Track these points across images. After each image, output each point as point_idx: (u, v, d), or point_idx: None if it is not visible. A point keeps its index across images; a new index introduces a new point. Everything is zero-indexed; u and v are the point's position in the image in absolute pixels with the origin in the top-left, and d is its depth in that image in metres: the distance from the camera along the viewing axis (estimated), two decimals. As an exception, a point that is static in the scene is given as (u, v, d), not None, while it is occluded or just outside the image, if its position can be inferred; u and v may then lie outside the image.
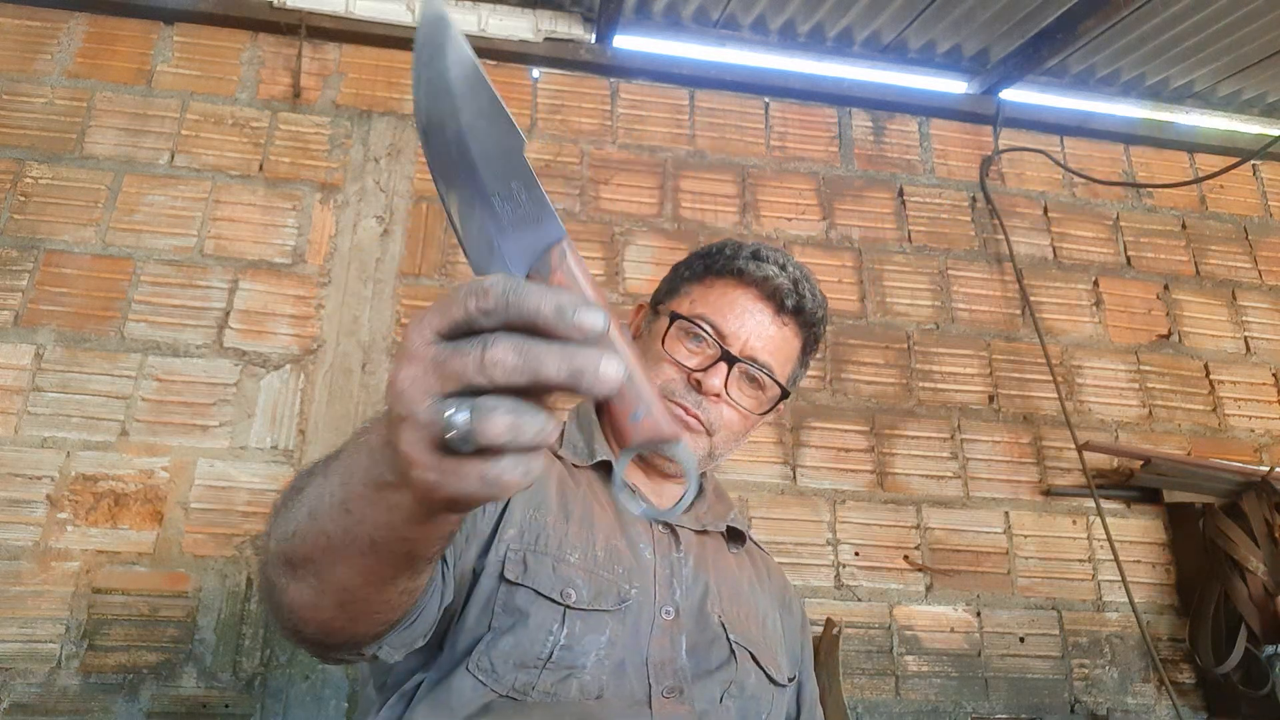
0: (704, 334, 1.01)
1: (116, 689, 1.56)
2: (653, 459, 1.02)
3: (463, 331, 0.40)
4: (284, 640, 1.63)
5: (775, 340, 1.03)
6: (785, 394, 1.05)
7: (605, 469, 1.01)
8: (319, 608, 0.62)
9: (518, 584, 0.83)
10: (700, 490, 1.12)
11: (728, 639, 0.93)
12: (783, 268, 1.04)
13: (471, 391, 0.39)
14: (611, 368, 0.40)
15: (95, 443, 1.69)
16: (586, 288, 0.45)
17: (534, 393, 0.40)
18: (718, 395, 0.99)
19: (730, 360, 0.99)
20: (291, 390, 1.80)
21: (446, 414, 0.39)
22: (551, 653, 0.81)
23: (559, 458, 1.01)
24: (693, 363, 1.00)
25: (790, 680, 1.02)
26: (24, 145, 1.89)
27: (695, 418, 0.99)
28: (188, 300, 1.83)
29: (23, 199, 1.85)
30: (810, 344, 1.10)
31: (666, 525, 0.99)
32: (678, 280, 1.10)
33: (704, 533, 1.04)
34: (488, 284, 0.40)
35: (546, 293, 0.39)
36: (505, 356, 0.39)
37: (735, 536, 1.08)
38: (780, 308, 1.04)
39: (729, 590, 0.99)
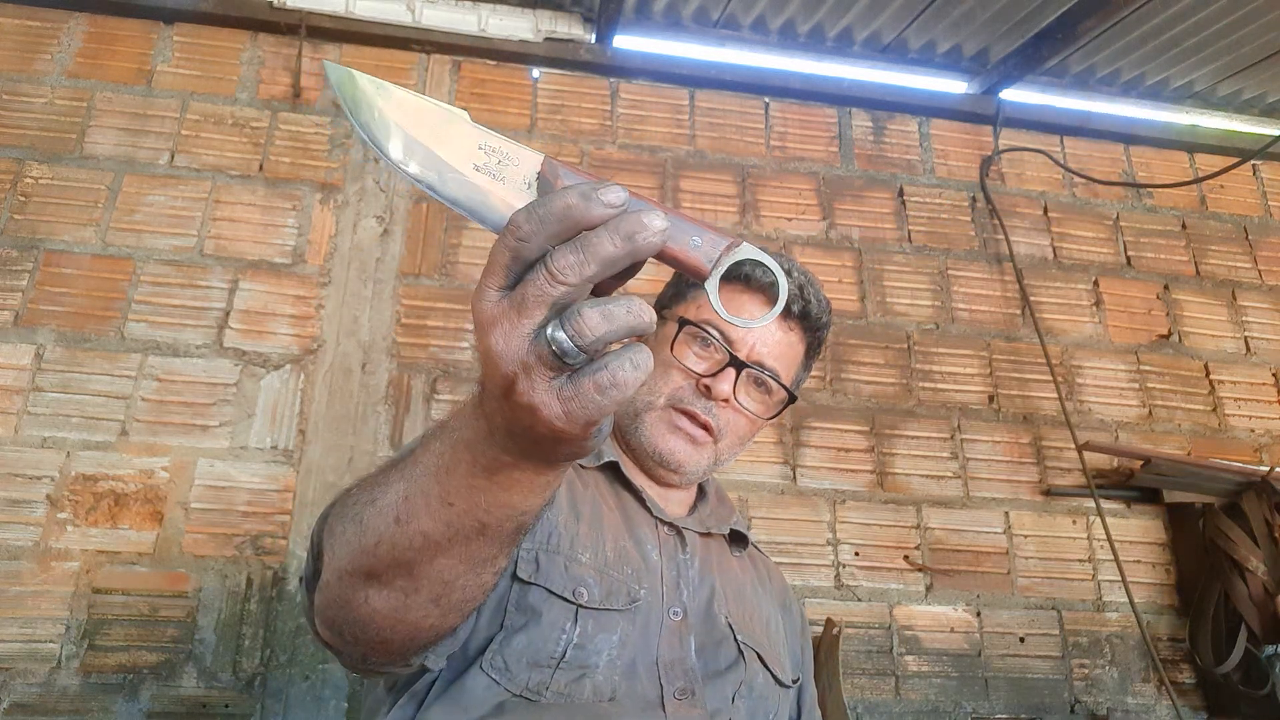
0: (712, 339, 1.01)
1: (116, 689, 1.56)
2: (655, 471, 1.02)
3: (516, 273, 0.43)
4: (286, 642, 1.63)
5: (781, 345, 1.04)
6: (792, 398, 1.05)
7: (613, 470, 1.01)
8: (409, 608, 0.64)
9: (530, 583, 0.84)
10: (702, 493, 1.12)
11: (735, 640, 0.94)
12: (788, 273, 1.05)
13: (556, 313, 0.43)
14: (654, 217, 0.43)
15: (95, 443, 1.69)
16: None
17: (607, 288, 0.45)
18: (726, 400, 1.00)
19: (739, 366, 1.00)
20: (291, 390, 1.80)
21: (545, 335, 0.42)
22: (565, 652, 0.81)
23: None
24: (701, 368, 1.00)
25: (794, 682, 1.02)
26: (24, 145, 1.89)
27: (705, 425, 0.99)
28: (188, 300, 1.83)
29: (23, 199, 1.85)
30: (814, 348, 1.10)
31: (672, 527, 0.99)
32: (683, 286, 1.10)
33: (708, 535, 1.04)
34: (513, 219, 0.43)
35: (562, 192, 0.43)
36: (567, 258, 0.42)
37: (738, 539, 1.09)
38: (786, 313, 1.04)
39: (734, 592, 1.00)
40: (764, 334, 1.02)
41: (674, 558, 0.96)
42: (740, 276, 1.04)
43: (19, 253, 1.80)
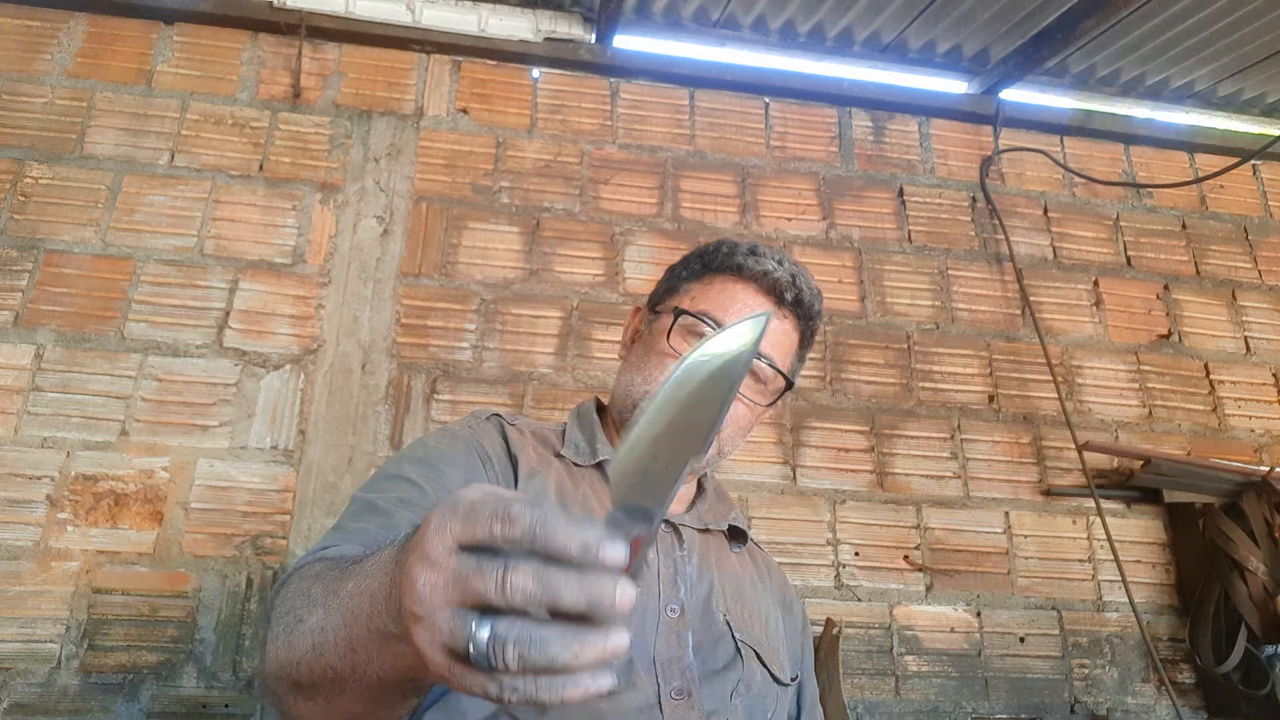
0: (708, 328, 1.01)
1: (116, 689, 1.56)
2: None
3: (485, 547, 0.42)
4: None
5: (776, 333, 1.04)
6: (789, 385, 1.06)
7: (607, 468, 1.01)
8: None
9: None
10: (701, 490, 1.12)
11: (733, 637, 0.93)
12: (780, 263, 1.06)
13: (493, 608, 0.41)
14: (626, 594, 0.41)
15: (95, 443, 1.69)
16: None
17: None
18: None
19: None
20: (291, 390, 1.80)
21: (468, 630, 0.41)
22: None
23: (559, 456, 1.01)
24: None
25: (793, 680, 1.02)
26: (24, 145, 1.89)
27: None
28: (188, 300, 1.83)
29: (23, 199, 1.84)
30: (808, 337, 1.11)
31: (669, 523, 0.99)
32: (675, 280, 1.10)
33: (706, 531, 1.04)
34: (514, 511, 0.41)
35: (573, 529, 0.41)
36: (525, 583, 0.40)
37: (737, 536, 1.09)
38: (780, 301, 1.05)
39: (733, 589, 1.00)
40: None
41: (670, 554, 0.96)
42: (733, 267, 1.05)
43: (19, 253, 1.80)
